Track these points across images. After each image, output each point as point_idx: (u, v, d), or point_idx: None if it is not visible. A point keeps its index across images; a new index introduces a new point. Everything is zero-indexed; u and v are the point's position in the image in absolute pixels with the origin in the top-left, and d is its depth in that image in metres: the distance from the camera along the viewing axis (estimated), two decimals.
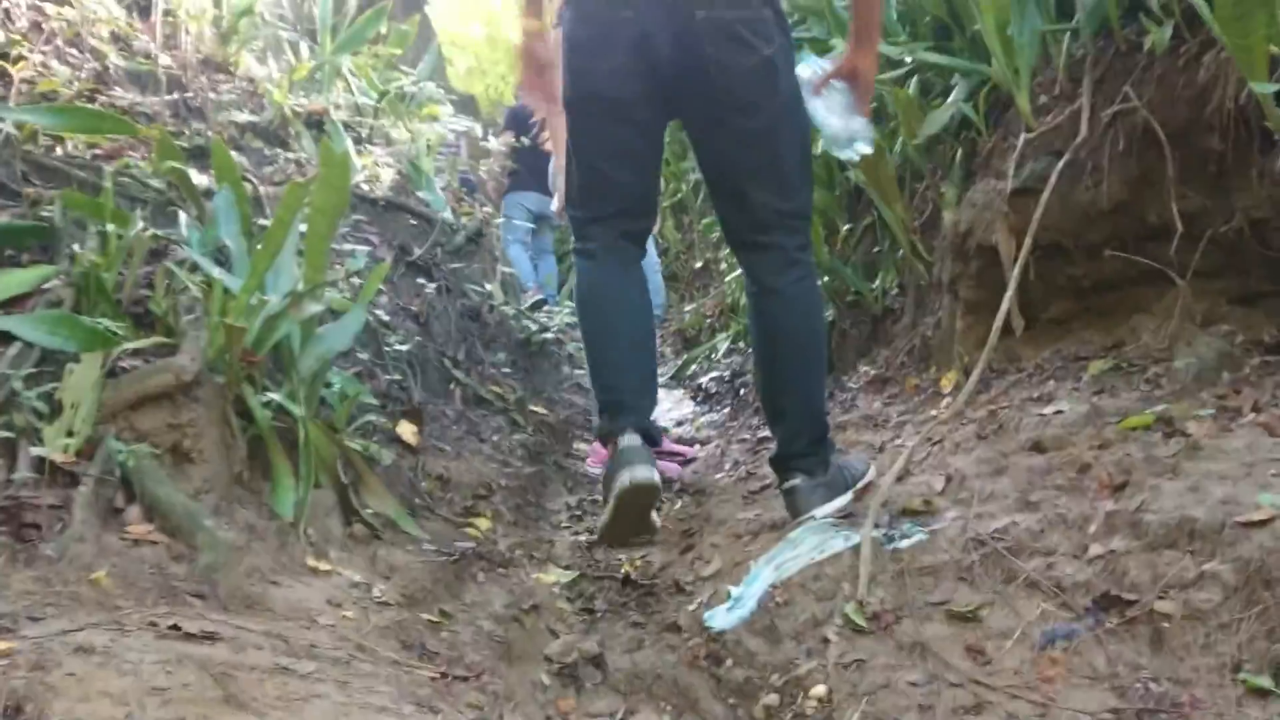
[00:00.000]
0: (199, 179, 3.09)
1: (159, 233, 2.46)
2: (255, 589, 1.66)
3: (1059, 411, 2.07)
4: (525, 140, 5.89)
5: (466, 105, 14.08)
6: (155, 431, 1.82)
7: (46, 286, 2.00)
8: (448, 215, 4.68)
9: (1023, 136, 2.60)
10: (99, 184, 2.56)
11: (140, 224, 2.16)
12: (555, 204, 4.21)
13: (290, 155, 3.94)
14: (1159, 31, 2.20)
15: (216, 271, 2.24)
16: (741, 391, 4.43)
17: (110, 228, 2.08)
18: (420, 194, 4.71)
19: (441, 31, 18.84)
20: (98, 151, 2.82)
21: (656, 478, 2.13)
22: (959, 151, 3.10)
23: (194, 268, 2.23)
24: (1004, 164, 2.70)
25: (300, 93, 4.44)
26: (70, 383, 1.78)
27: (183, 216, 2.62)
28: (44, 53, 3.24)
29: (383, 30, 5.11)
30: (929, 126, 2.98)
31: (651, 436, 2.23)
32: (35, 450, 1.61)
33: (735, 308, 5.45)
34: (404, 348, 3.20)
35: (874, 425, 2.66)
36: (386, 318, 3.36)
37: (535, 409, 4.05)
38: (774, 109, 2.12)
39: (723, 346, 5.42)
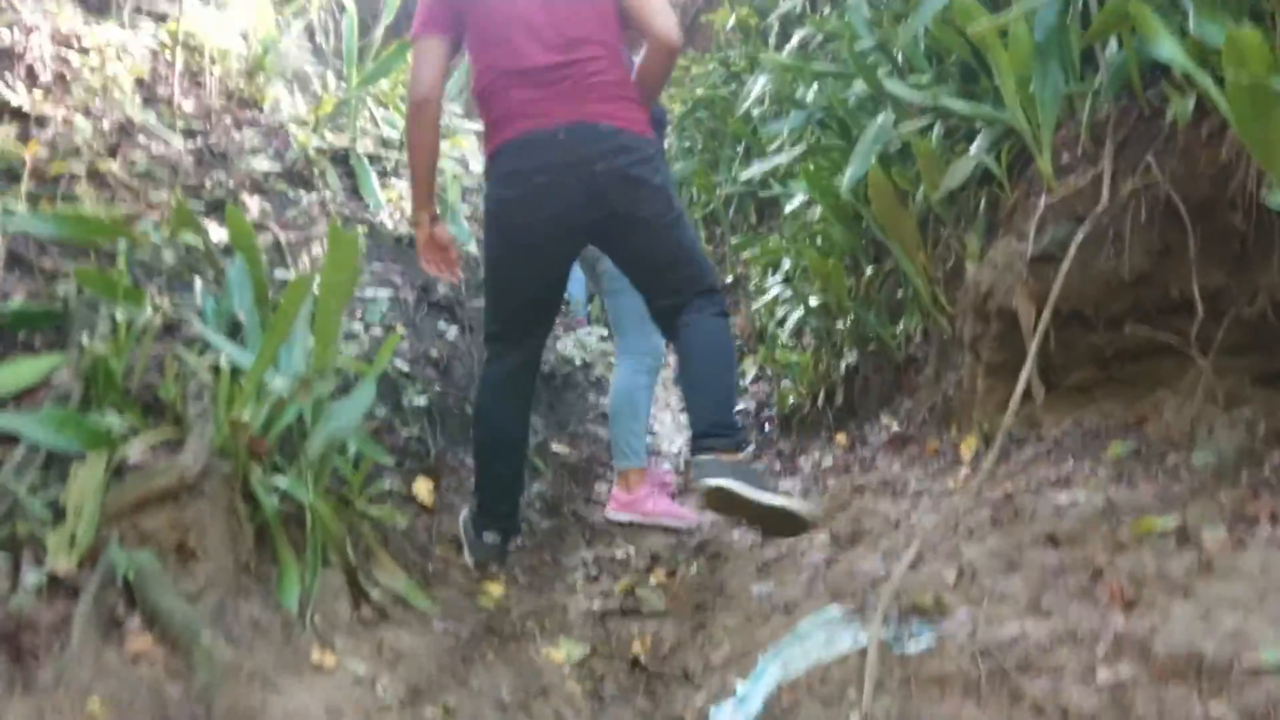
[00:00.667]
0: (219, 234, 3.12)
1: (171, 310, 2.48)
2: (254, 699, 1.67)
3: (1075, 503, 2.02)
4: None
5: None
6: (159, 532, 1.83)
7: (56, 379, 2.02)
8: (472, 247, 4.68)
9: (1043, 199, 2.54)
10: (115, 253, 2.59)
11: (150, 309, 2.18)
12: None
13: (314, 197, 3.96)
14: (1181, 103, 2.13)
15: (226, 350, 2.26)
16: (766, 427, 4.39)
17: (120, 315, 2.10)
18: (446, 227, 4.72)
19: None
20: (115, 215, 2.85)
21: (494, 568, 2.77)
22: (982, 200, 3.04)
23: (204, 348, 2.25)
24: (1025, 224, 2.64)
25: (325, 128, 4.45)
26: (74, 486, 1.80)
27: (198, 283, 2.65)
28: (68, 106, 3.29)
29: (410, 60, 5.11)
30: (950, 179, 2.92)
31: (511, 529, 2.81)
32: (32, 578, 1.62)
33: (763, 334, 5.40)
34: (422, 402, 3.21)
35: (892, 493, 2.62)
36: (406, 368, 3.37)
37: (557, 448, 4.04)
38: (670, 220, 2.60)
39: (751, 372, 5.37)
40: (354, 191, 4.46)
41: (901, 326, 3.46)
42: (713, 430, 2.46)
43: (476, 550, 2.76)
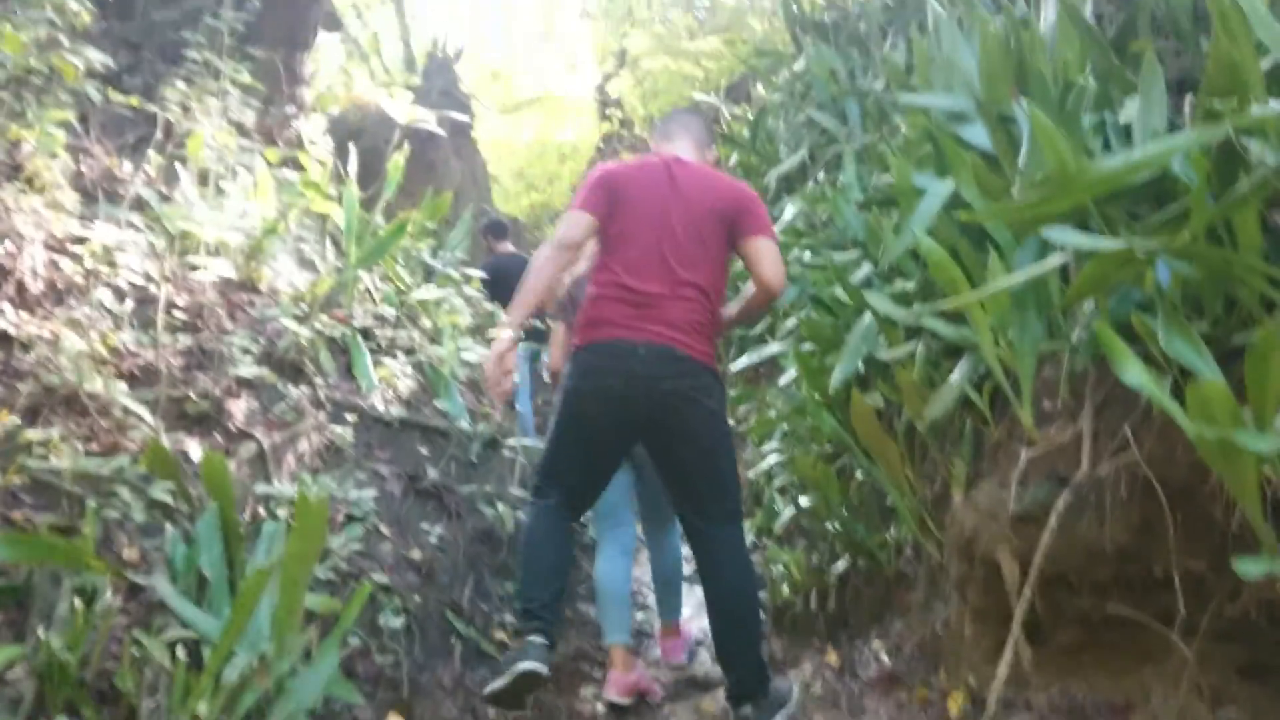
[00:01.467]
0: (199, 452, 3.11)
1: (137, 561, 2.46)
2: None
3: None
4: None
5: (511, 230, 14.29)
6: None
7: (10, 675, 1.97)
8: (465, 424, 4.67)
9: (1024, 454, 2.50)
10: (85, 499, 2.57)
11: (109, 593, 2.14)
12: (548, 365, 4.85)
13: (304, 390, 3.96)
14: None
15: (188, 617, 2.22)
16: (760, 615, 4.28)
17: (79, 601, 2.06)
18: (438, 402, 4.72)
19: (490, 145, 19.29)
20: (94, 448, 2.84)
21: (543, 670, 2.87)
22: (968, 424, 3.01)
23: (160, 629, 2.21)
24: (1008, 469, 2.60)
25: (321, 307, 4.48)
26: None
27: (169, 529, 2.63)
28: (57, 321, 3.31)
29: (408, 230, 5.17)
30: (933, 409, 2.89)
31: (551, 641, 2.98)
32: None
33: (760, 497, 5.32)
34: (399, 623, 3.14)
35: None
36: (386, 580, 3.31)
37: None
38: (716, 442, 3.09)
39: (748, 538, 5.26)
40: (348, 370, 4.48)
41: (892, 534, 3.41)
42: (754, 690, 2.96)
43: (526, 656, 2.85)
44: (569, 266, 3.26)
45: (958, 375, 2.93)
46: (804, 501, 3.83)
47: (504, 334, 2.99)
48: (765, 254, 3.16)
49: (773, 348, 4.25)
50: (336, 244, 5.22)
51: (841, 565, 3.58)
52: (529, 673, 2.83)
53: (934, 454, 3.18)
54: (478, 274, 7.07)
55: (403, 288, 5.27)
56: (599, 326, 3.04)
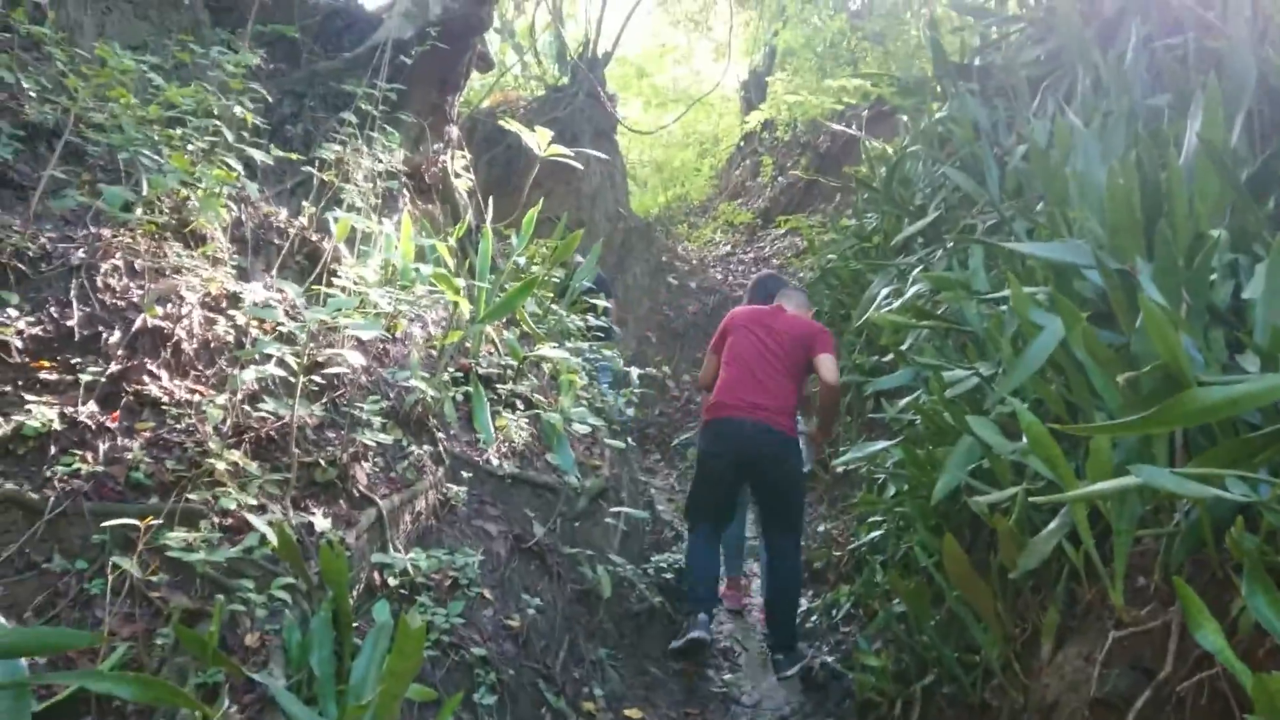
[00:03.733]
0: (323, 524, 3.34)
1: (256, 644, 2.69)
2: None
3: None
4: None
5: (644, 235, 14.43)
6: None
7: None
8: (573, 479, 4.83)
9: (1112, 635, 2.49)
10: (221, 581, 2.82)
11: (226, 702, 2.36)
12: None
13: (425, 449, 4.16)
14: (1245, 617, 2.07)
15: (294, 713, 2.43)
16: (847, 703, 4.32)
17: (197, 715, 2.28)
18: (550, 456, 4.89)
19: (629, 137, 19.37)
20: (229, 522, 3.09)
21: (707, 637, 4.56)
22: (1064, 572, 2.99)
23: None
24: (1097, 639, 2.59)
25: (448, 358, 4.68)
26: None
27: (287, 614, 2.85)
28: (205, 385, 3.58)
29: (535, 276, 5.35)
30: (1028, 559, 2.88)
31: (710, 617, 4.72)
32: None
33: (860, 567, 5.31)
34: (492, 700, 3.32)
35: None
36: (483, 651, 3.49)
37: (629, 714, 4.10)
38: (791, 485, 4.81)
39: (844, 606, 5.25)
40: (468, 421, 4.68)
41: (979, 658, 3.40)
42: (789, 643, 4.61)
43: (696, 627, 4.55)
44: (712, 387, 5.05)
45: (1055, 525, 2.91)
46: (897, 608, 3.84)
47: None
48: (825, 364, 4.83)
49: (879, 444, 4.26)
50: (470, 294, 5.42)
51: (928, 679, 3.59)
52: (698, 639, 4.48)
53: (1026, 594, 3.17)
54: (605, 304, 7.34)
55: (528, 330, 5.45)
56: (723, 408, 4.77)
